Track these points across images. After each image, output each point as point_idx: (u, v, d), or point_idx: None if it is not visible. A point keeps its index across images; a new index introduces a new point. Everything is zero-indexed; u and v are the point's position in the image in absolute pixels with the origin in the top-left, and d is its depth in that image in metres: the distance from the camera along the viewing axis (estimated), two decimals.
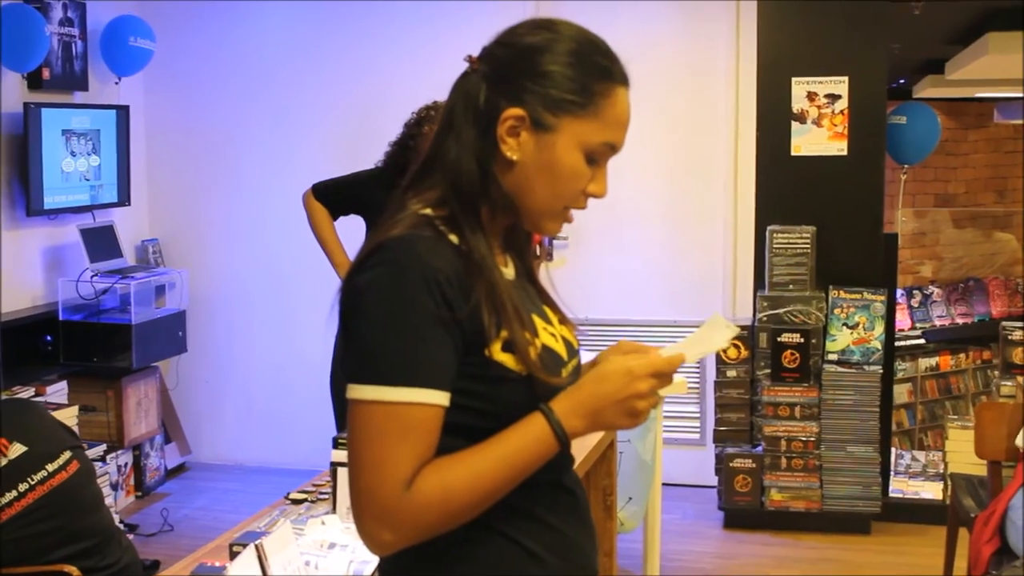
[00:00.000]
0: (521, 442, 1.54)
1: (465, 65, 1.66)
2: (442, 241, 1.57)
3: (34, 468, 2.73)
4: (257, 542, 2.39)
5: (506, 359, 1.55)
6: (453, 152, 1.62)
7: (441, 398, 1.50)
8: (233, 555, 2.38)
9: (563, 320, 1.78)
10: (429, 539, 1.53)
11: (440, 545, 1.55)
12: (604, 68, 1.61)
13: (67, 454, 2.82)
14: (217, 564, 2.30)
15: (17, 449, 2.72)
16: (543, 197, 1.62)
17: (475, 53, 1.67)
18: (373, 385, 1.49)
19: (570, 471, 1.73)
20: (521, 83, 1.59)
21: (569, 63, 1.59)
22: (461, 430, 1.54)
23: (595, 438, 3.59)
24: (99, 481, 4.91)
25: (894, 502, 5.39)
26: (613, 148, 1.64)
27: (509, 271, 1.70)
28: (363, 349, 1.51)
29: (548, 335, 1.67)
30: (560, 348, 1.68)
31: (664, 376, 1.58)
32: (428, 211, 1.61)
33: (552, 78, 1.59)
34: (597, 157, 1.62)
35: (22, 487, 2.69)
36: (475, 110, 1.61)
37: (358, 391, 1.50)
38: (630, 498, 4.45)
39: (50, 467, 2.76)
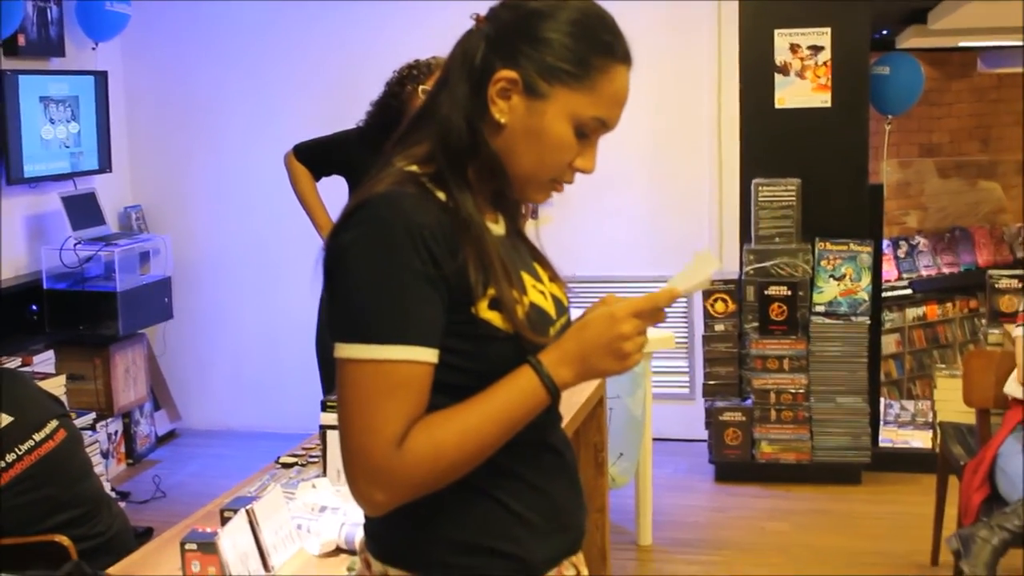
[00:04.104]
0: (511, 396, 1.53)
1: (468, 26, 1.63)
2: (427, 197, 1.55)
3: (21, 438, 2.72)
4: (248, 507, 2.39)
5: (493, 317, 1.54)
6: (445, 108, 1.60)
7: (430, 355, 1.50)
8: (224, 521, 2.38)
9: (553, 277, 1.77)
10: (416, 500, 1.52)
11: (425, 506, 1.54)
12: (606, 43, 1.59)
13: (54, 423, 2.81)
14: (208, 530, 2.29)
15: (3, 420, 2.71)
16: (528, 165, 1.60)
17: (475, 12, 1.64)
18: (361, 344, 1.48)
19: (557, 431, 1.72)
20: (518, 46, 1.57)
21: (570, 32, 1.57)
22: (447, 388, 1.53)
23: (584, 394, 3.59)
24: (89, 449, 4.91)
25: (884, 452, 5.42)
26: (605, 125, 1.61)
27: (499, 228, 1.68)
28: (350, 308, 1.50)
29: (537, 293, 1.66)
30: (549, 306, 1.67)
31: (647, 315, 1.56)
32: (414, 168, 1.60)
33: (550, 45, 1.56)
34: (587, 131, 1.60)
35: (9, 458, 2.67)
36: (470, 68, 1.59)
37: (346, 350, 1.49)
38: (621, 454, 4.47)
39: (37, 436, 2.74)
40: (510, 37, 1.58)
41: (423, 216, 1.50)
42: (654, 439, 5.61)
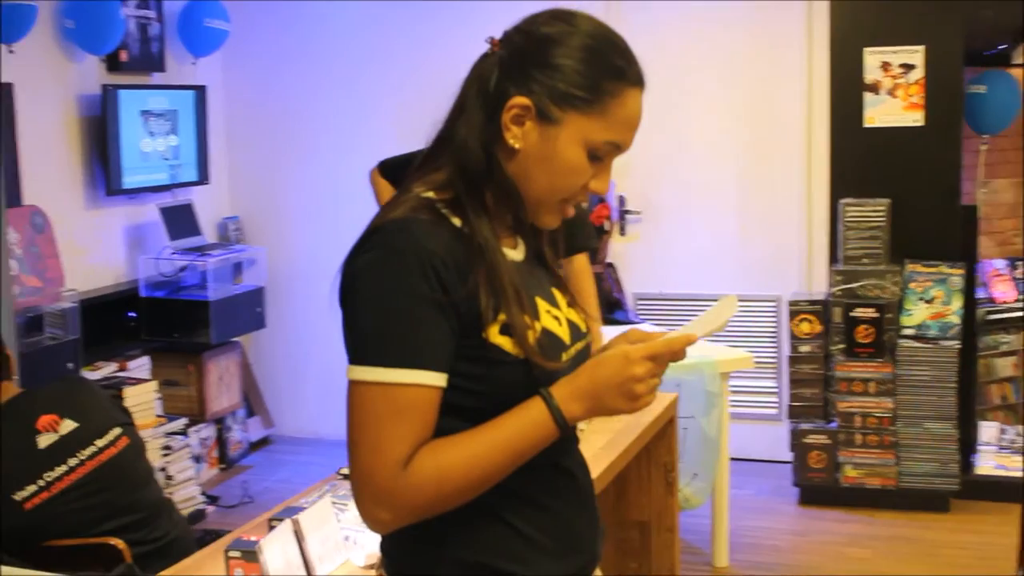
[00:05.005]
0: (520, 426, 1.55)
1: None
2: (441, 224, 1.58)
3: (84, 443, 2.82)
4: (294, 517, 2.44)
5: (504, 342, 1.56)
6: (462, 133, 1.63)
7: (437, 379, 1.52)
8: (271, 530, 2.43)
9: (572, 303, 1.77)
10: (426, 520, 1.55)
11: (435, 526, 1.57)
12: (617, 67, 1.60)
13: (117, 430, 2.90)
14: (253, 539, 2.35)
15: (68, 425, 2.81)
16: (541, 188, 1.62)
17: (490, 36, 1.67)
18: (370, 366, 1.51)
19: (572, 454, 1.74)
20: (531, 73, 1.59)
21: (581, 58, 1.58)
22: (458, 411, 1.56)
23: (652, 413, 3.58)
24: (180, 454, 5.06)
25: (977, 480, 5.26)
26: (618, 148, 1.62)
27: (516, 254, 1.70)
28: (360, 331, 1.54)
29: (551, 318, 1.67)
30: (562, 332, 1.68)
31: (662, 359, 1.57)
32: (431, 194, 1.63)
33: (562, 71, 1.58)
34: (600, 155, 1.61)
35: (72, 462, 2.77)
36: (485, 94, 1.62)
37: (355, 372, 1.52)
38: (695, 474, 4.44)
39: (99, 443, 2.84)
40: (523, 63, 1.60)
41: (434, 243, 1.53)
42: (740, 459, 5.59)
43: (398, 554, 1.66)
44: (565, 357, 1.65)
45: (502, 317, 1.56)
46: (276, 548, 2.35)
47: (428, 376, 1.51)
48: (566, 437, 1.69)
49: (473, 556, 1.60)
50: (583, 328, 1.76)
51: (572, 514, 1.69)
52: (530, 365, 1.57)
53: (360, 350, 1.53)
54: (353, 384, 1.53)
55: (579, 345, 1.72)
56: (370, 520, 1.55)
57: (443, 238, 1.55)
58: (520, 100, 1.58)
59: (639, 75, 1.62)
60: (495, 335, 1.56)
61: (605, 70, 1.59)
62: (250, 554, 2.30)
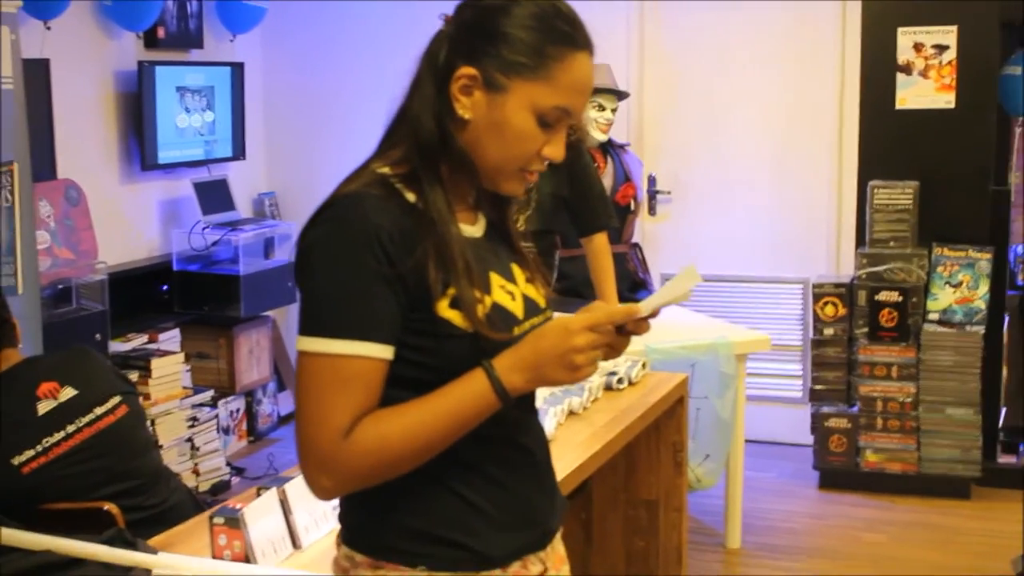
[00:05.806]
0: (461, 396, 1.58)
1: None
2: (391, 199, 1.61)
3: (83, 411, 2.90)
4: (280, 487, 2.50)
5: (453, 316, 1.59)
6: (415, 108, 1.68)
7: (381, 351, 1.55)
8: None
9: (531, 279, 1.78)
10: (378, 488, 1.59)
11: (386, 495, 1.61)
12: (563, 33, 1.62)
13: (116, 399, 2.98)
14: (238, 507, 2.40)
15: (68, 392, 2.89)
16: (495, 157, 1.65)
17: (443, 13, 1.71)
18: (316, 337, 1.55)
19: (531, 430, 1.75)
20: (477, 43, 1.63)
21: (526, 26, 1.61)
22: (406, 383, 1.59)
23: (660, 392, 3.60)
24: (208, 426, 5.16)
25: (1000, 468, 5.23)
26: (568, 113, 1.64)
27: (475, 230, 1.72)
28: (310, 303, 1.58)
29: (504, 293, 1.68)
30: (515, 307, 1.69)
31: (603, 330, 1.58)
32: (386, 170, 1.67)
33: (507, 40, 1.61)
34: (550, 121, 1.63)
35: (70, 428, 2.85)
36: (435, 67, 1.66)
37: (303, 343, 1.57)
38: (707, 455, 4.45)
39: (98, 410, 2.92)
40: (470, 34, 1.64)
41: (381, 217, 1.57)
42: (763, 442, 5.60)
43: (350, 521, 1.70)
44: (517, 331, 1.66)
45: (451, 291, 1.59)
46: (260, 516, 2.40)
47: (374, 348, 1.55)
48: (525, 413, 1.72)
49: (422, 525, 1.63)
50: (542, 304, 1.77)
51: (528, 489, 1.71)
52: (479, 339, 1.60)
53: (309, 321, 1.57)
54: (301, 354, 1.58)
55: (535, 320, 1.73)
56: (313, 487, 1.59)
57: (392, 212, 1.59)
58: (467, 70, 1.62)
59: (587, 39, 1.65)
60: (444, 309, 1.58)
61: (550, 36, 1.61)
62: (233, 520, 2.36)
